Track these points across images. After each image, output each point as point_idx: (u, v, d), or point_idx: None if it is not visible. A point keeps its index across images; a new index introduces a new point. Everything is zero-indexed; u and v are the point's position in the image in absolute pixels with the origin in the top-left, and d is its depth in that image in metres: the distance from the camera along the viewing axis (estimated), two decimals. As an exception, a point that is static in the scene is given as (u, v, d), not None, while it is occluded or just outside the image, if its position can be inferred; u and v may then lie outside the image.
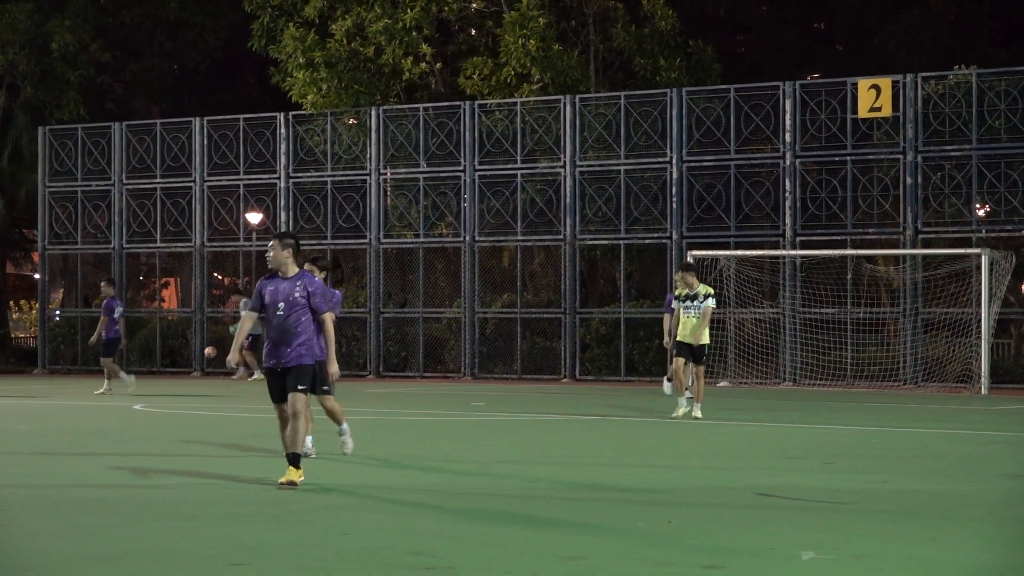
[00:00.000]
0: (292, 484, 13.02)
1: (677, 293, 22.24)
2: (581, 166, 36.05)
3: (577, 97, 36.56)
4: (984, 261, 30.49)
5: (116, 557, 9.87)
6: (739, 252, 33.77)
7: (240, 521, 11.32)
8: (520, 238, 36.69)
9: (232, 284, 46.42)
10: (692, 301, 21.87)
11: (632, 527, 11.12)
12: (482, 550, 10.10)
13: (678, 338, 22.08)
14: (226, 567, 9.42)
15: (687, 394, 22.35)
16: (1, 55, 45.88)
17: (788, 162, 33.88)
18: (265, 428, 20.76)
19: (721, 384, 32.74)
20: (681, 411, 22.14)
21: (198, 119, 40.26)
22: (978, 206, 33.12)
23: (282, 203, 38.88)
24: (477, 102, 37.68)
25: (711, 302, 21.89)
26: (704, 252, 33.59)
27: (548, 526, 11.18)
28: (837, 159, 33.65)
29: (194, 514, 11.68)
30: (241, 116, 39.88)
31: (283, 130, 38.99)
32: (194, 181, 39.85)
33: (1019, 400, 28.66)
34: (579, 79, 38.64)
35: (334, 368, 13.89)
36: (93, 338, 29.67)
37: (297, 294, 13.32)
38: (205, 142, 39.86)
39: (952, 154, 32.61)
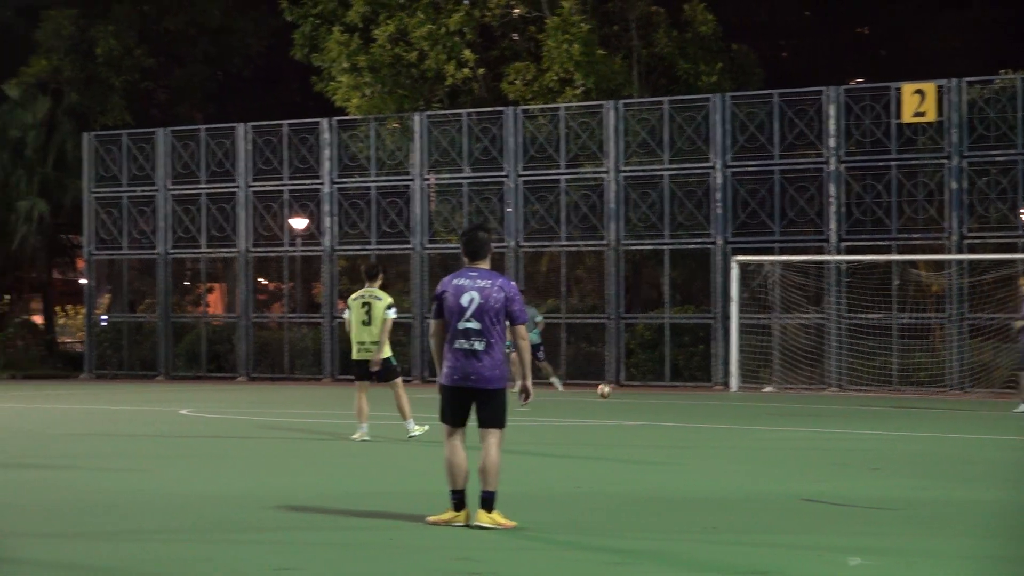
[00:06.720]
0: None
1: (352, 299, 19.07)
2: (625, 171, 35.96)
3: (620, 102, 36.48)
4: (1031, 266, 30.30)
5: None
6: (784, 257, 33.65)
7: (286, 524, 11.34)
8: (564, 243, 36.63)
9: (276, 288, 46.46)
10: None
11: (675, 533, 11.09)
12: (526, 556, 10.10)
13: (353, 356, 19.02)
14: (272, 572, 9.43)
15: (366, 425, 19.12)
16: (46, 61, 46.18)
17: (832, 167, 33.72)
18: (308, 428, 20.81)
19: (766, 389, 32.64)
20: (357, 435, 19.01)
21: (242, 124, 40.34)
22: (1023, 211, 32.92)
23: (326, 208, 38.94)
24: (521, 107, 37.67)
25: (392, 312, 18.70)
26: (749, 257, 33.54)
27: (591, 532, 11.16)
28: (881, 164, 33.45)
29: (237, 518, 11.70)
30: (285, 122, 39.95)
31: (327, 135, 39.04)
32: (239, 186, 39.95)
33: (1066, 406, 28.41)
34: (622, 84, 38.59)
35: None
36: None
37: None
38: (249, 147, 39.94)
39: (997, 159, 32.39)
